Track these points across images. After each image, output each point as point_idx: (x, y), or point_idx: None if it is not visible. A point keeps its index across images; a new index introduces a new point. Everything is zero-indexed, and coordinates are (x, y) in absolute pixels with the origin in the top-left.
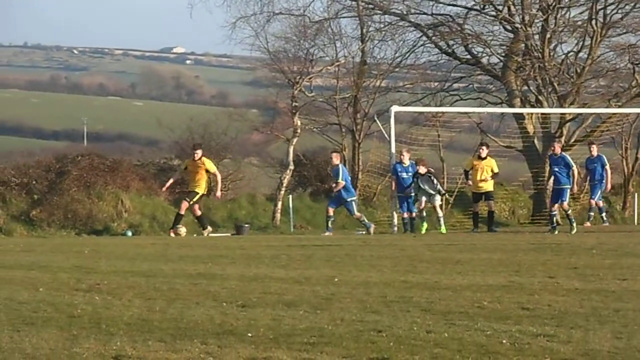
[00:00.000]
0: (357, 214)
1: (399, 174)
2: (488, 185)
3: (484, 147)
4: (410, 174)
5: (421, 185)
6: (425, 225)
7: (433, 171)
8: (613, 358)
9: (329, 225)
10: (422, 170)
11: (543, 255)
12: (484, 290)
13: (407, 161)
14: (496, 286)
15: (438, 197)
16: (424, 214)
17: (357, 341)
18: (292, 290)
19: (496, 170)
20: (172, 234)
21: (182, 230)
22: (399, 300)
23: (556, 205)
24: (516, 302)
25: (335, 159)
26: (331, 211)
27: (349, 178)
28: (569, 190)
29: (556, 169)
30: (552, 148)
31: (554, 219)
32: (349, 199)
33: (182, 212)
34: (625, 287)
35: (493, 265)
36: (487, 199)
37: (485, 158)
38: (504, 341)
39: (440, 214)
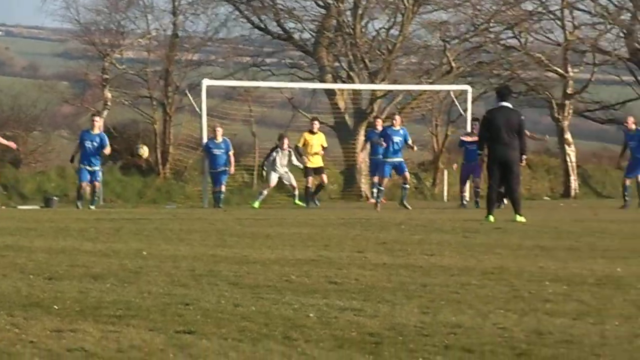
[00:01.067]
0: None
1: (211, 150)
2: (321, 160)
3: (316, 122)
4: (222, 150)
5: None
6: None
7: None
8: (419, 332)
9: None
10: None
11: (352, 230)
12: (292, 264)
13: (219, 137)
14: (305, 260)
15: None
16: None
17: (164, 314)
18: (99, 263)
19: (325, 145)
20: None
21: None
22: (207, 274)
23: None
24: (324, 276)
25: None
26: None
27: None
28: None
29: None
30: (394, 121)
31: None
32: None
33: None
34: (432, 263)
35: (302, 239)
36: (320, 172)
37: (316, 133)
38: (311, 315)
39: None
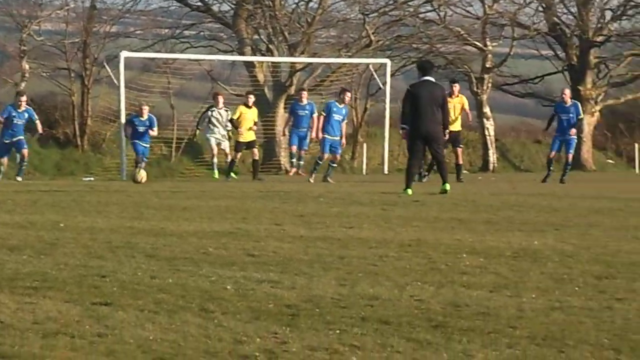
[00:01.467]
0: None
1: (137, 127)
2: (253, 135)
3: (252, 96)
4: (146, 127)
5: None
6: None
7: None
8: (336, 304)
9: None
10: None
11: (271, 203)
12: (210, 236)
13: (145, 115)
14: (222, 233)
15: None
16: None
17: (81, 286)
18: (16, 235)
19: (256, 120)
20: None
21: None
22: (124, 246)
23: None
24: (242, 249)
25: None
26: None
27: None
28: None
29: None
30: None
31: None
32: None
33: None
34: (350, 235)
35: (220, 212)
36: (252, 147)
37: (251, 107)
38: (229, 287)
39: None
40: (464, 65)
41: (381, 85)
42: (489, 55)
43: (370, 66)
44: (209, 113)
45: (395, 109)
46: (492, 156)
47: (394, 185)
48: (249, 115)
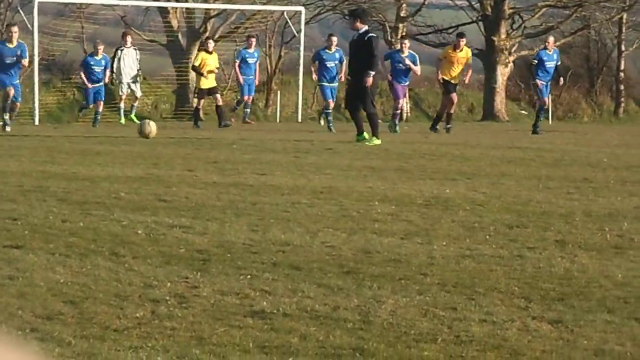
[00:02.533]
0: None
1: (91, 66)
2: (214, 80)
3: (211, 41)
4: (102, 67)
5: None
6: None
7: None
8: (248, 250)
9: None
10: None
11: (183, 149)
12: (122, 181)
13: (100, 54)
14: (134, 178)
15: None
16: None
17: None
18: None
19: (218, 65)
20: None
21: None
22: (35, 190)
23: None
24: (153, 194)
25: None
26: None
27: None
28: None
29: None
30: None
31: None
32: None
33: None
34: (263, 182)
35: (133, 157)
36: (214, 93)
37: (212, 52)
38: (140, 231)
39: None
40: (378, 14)
41: (295, 33)
42: (404, 5)
43: (285, 14)
44: (118, 53)
45: (308, 57)
46: (406, 106)
47: (307, 133)
48: (210, 61)
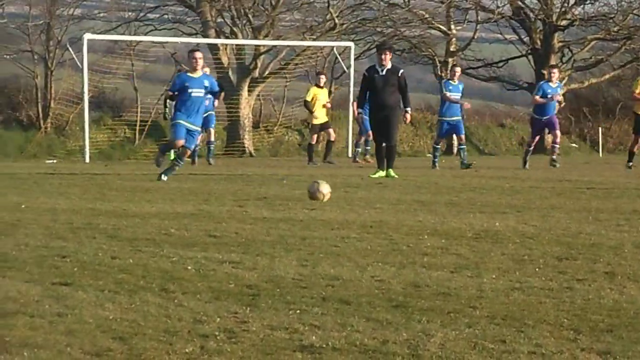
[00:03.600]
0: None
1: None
2: (326, 115)
3: (323, 76)
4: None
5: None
6: None
7: None
8: (297, 284)
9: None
10: None
11: (234, 185)
12: (172, 218)
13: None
14: (184, 214)
15: None
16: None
17: (41, 266)
18: None
19: (327, 99)
20: None
21: None
22: (85, 227)
23: None
24: (203, 230)
25: None
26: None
27: None
28: None
29: None
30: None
31: None
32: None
33: None
34: (313, 217)
35: (183, 194)
36: (327, 128)
37: (323, 87)
38: (189, 267)
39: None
40: (428, 49)
41: (345, 69)
42: (453, 39)
43: (335, 49)
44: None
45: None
46: (456, 140)
47: (357, 168)
48: (322, 96)
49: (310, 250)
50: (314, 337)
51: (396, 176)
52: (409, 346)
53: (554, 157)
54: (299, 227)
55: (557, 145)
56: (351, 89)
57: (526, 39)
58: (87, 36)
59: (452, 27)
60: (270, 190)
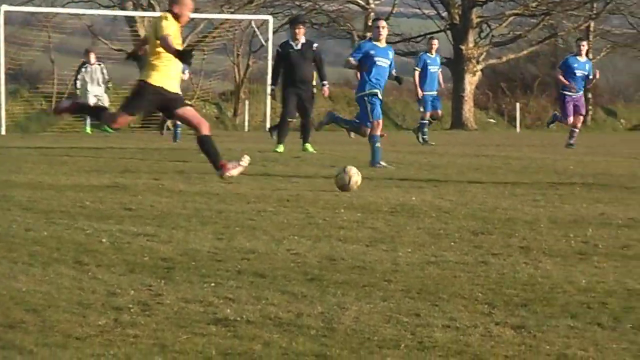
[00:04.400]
0: None
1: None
2: None
3: None
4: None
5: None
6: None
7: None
8: (213, 257)
9: None
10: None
11: (150, 159)
12: (87, 190)
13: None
14: (100, 187)
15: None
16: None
17: None
18: None
19: None
20: None
21: None
22: None
23: None
24: (119, 203)
25: None
26: None
27: None
28: None
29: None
30: None
31: None
32: None
33: None
34: (229, 190)
35: (99, 166)
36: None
37: None
38: (104, 240)
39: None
40: (346, 23)
41: (263, 43)
42: (372, 14)
43: (253, 23)
44: (82, 70)
45: None
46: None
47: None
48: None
49: (226, 223)
50: (228, 310)
51: (314, 151)
52: (324, 319)
53: (572, 141)
54: (215, 200)
55: (577, 130)
56: (269, 62)
57: (444, 14)
58: (4, 7)
59: (371, 1)
60: (187, 163)
